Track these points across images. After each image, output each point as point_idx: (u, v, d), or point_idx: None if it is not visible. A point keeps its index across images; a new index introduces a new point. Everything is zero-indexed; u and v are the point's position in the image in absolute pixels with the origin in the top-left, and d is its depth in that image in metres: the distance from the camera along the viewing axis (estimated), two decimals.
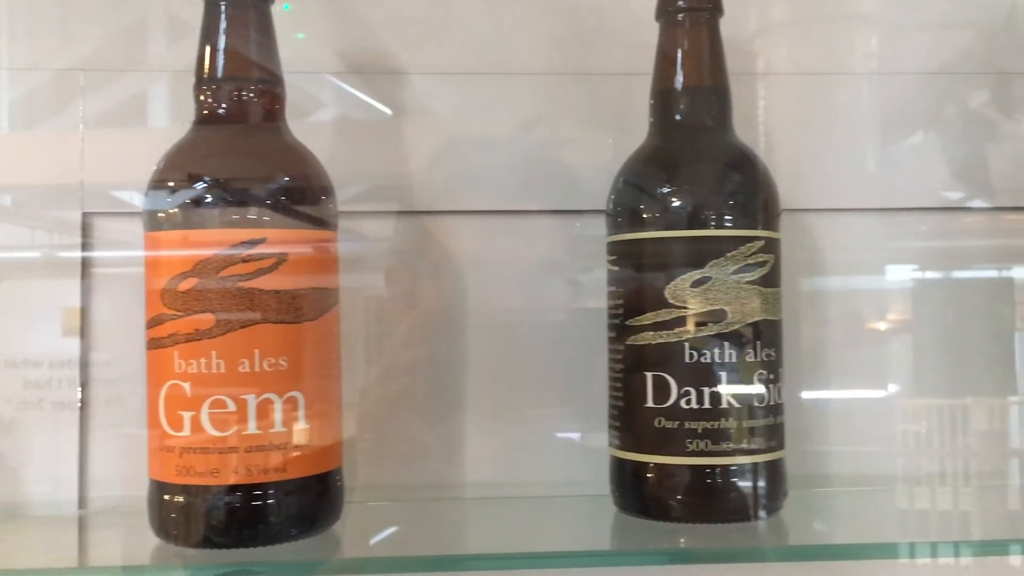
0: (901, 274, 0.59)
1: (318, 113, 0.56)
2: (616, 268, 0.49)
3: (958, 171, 0.58)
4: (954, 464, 0.58)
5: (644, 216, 0.48)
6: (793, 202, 0.57)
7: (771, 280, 0.48)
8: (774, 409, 0.48)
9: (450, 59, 0.56)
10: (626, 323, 0.48)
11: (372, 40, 0.56)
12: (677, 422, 0.47)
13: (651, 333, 0.47)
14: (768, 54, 0.59)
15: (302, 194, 0.44)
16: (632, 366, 0.48)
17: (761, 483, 0.48)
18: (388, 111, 0.57)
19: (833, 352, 0.59)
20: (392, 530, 0.52)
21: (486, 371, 0.56)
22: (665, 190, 0.48)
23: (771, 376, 0.47)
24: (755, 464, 0.47)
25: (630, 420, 0.48)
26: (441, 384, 0.56)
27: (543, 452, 0.56)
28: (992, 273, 0.59)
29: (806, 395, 0.58)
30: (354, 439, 0.55)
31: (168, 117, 0.56)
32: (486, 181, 0.57)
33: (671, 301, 0.47)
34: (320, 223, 0.45)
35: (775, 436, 0.48)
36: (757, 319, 0.47)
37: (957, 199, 0.59)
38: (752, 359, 0.47)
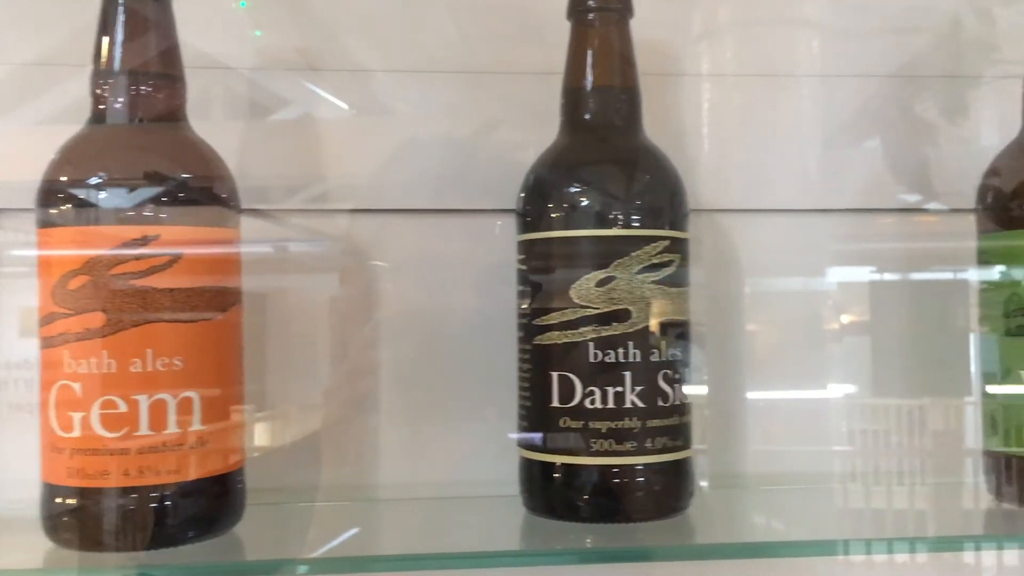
0: (844, 275, 0.60)
1: (275, 110, 0.56)
2: (524, 268, 0.49)
3: (903, 174, 0.59)
4: (888, 463, 0.59)
5: (550, 216, 0.48)
6: (738, 203, 0.58)
7: (678, 280, 0.48)
8: (680, 409, 0.48)
9: (412, 58, 0.56)
10: (533, 323, 0.48)
11: (330, 37, 0.56)
12: (582, 422, 0.47)
13: (557, 333, 0.47)
14: (713, 56, 0.59)
15: (200, 191, 0.44)
16: (539, 366, 0.48)
17: (667, 482, 0.48)
18: (347, 108, 0.56)
19: (780, 352, 0.59)
20: (352, 532, 0.51)
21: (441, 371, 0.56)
22: (569, 189, 0.48)
23: (677, 376, 0.48)
24: (660, 463, 0.47)
25: (537, 420, 0.48)
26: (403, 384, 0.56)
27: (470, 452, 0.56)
28: (946, 275, 0.60)
29: (751, 395, 0.59)
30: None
31: None
32: (442, 179, 0.56)
33: (576, 301, 0.47)
34: (219, 221, 0.44)
35: (680, 436, 0.48)
36: (663, 319, 0.47)
37: (903, 201, 0.60)
38: (657, 359, 0.47)
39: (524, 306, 0.49)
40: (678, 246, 0.48)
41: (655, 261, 0.47)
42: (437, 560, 0.47)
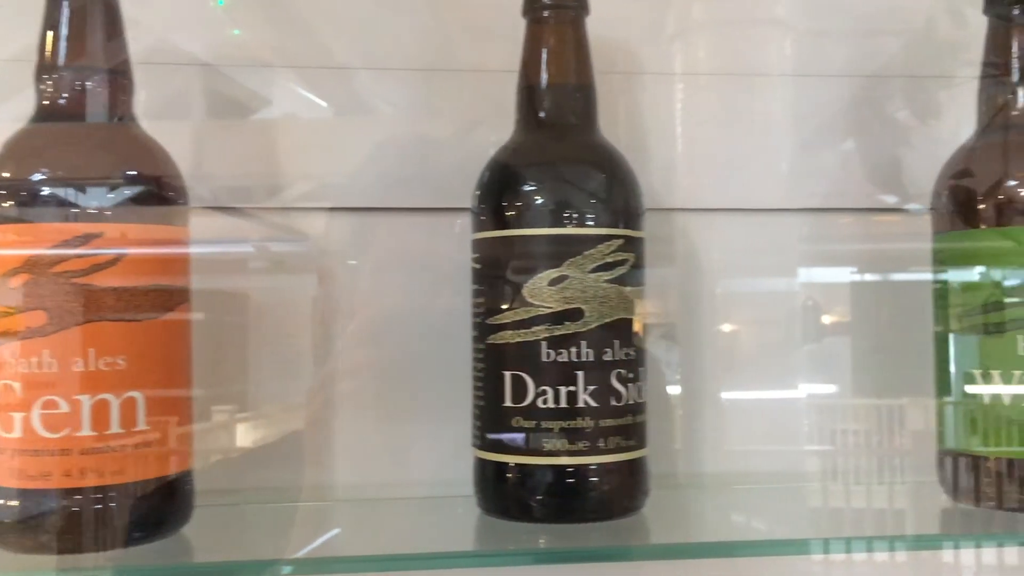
0: (816, 275, 0.60)
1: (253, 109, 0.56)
2: (479, 266, 0.49)
3: (876, 174, 0.59)
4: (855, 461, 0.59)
5: (503, 214, 0.48)
6: (709, 202, 0.58)
7: (632, 279, 0.48)
8: (633, 408, 0.48)
9: (392, 56, 0.56)
10: (487, 322, 0.48)
11: (309, 35, 0.56)
12: (534, 421, 0.46)
13: (510, 332, 0.47)
14: (686, 55, 0.59)
15: (144, 189, 0.43)
16: (492, 365, 0.48)
17: (621, 482, 0.48)
18: (327, 107, 0.56)
19: (752, 352, 0.59)
20: (333, 533, 0.51)
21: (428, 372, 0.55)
22: (522, 188, 0.48)
23: (630, 375, 0.47)
24: (614, 463, 0.47)
25: (490, 420, 0.48)
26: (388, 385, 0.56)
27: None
28: (924, 276, 0.60)
29: (725, 395, 0.59)
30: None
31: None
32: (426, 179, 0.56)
33: (529, 300, 0.46)
34: (165, 219, 0.44)
35: (634, 435, 0.48)
36: (616, 318, 0.47)
37: (878, 201, 0.60)
38: (610, 358, 0.47)
39: (478, 305, 0.49)
40: (633, 245, 0.48)
41: (609, 260, 0.47)
42: (390, 561, 0.46)
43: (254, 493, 0.54)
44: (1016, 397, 0.47)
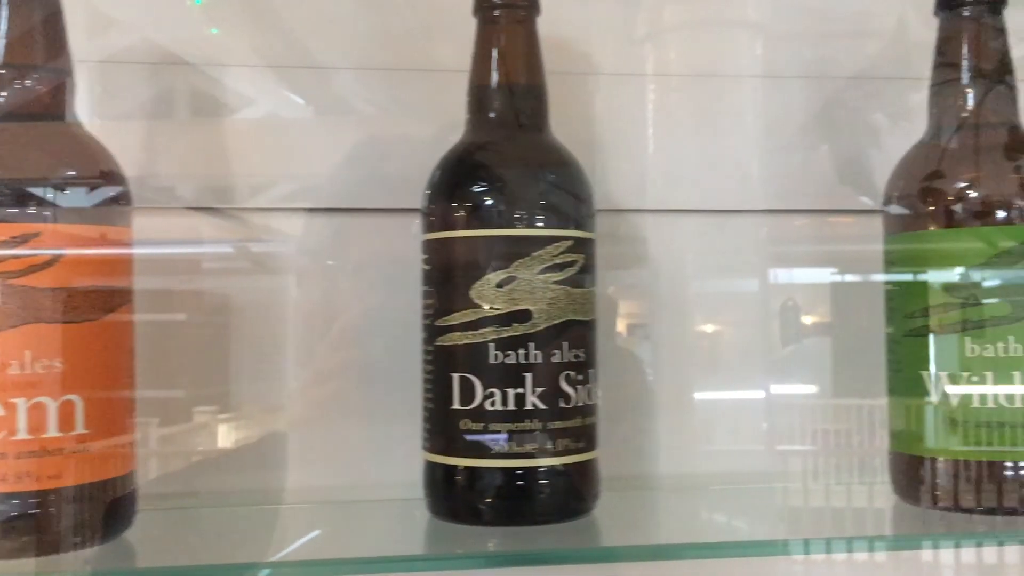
0: (782, 276, 0.60)
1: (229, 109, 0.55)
2: (428, 268, 0.48)
3: (848, 175, 0.59)
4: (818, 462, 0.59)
5: (452, 215, 0.47)
6: (681, 203, 0.58)
7: (581, 280, 0.47)
8: (583, 410, 0.47)
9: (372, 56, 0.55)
10: (435, 324, 0.47)
11: (289, 35, 0.55)
12: (482, 424, 0.46)
13: (458, 334, 0.46)
14: (658, 57, 0.59)
15: (84, 189, 0.42)
16: (440, 367, 0.47)
17: (570, 484, 0.47)
18: (306, 107, 0.56)
19: (726, 352, 0.59)
20: (313, 535, 0.51)
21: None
22: (470, 189, 0.48)
23: (580, 377, 0.47)
24: (563, 466, 0.47)
25: (438, 422, 0.47)
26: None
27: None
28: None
29: (699, 395, 0.59)
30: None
31: (87, 110, 0.53)
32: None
33: (477, 301, 0.46)
34: (106, 219, 0.43)
35: (584, 437, 0.47)
36: (564, 319, 0.47)
37: (852, 203, 0.60)
38: (559, 360, 0.46)
39: (427, 307, 0.48)
40: (583, 246, 0.47)
41: (558, 261, 0.46)
42: (339, 565, 0.46)
43: (212, 497, 0.54)
44: (964, 398, 0.47)
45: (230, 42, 0.55)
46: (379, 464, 0.55)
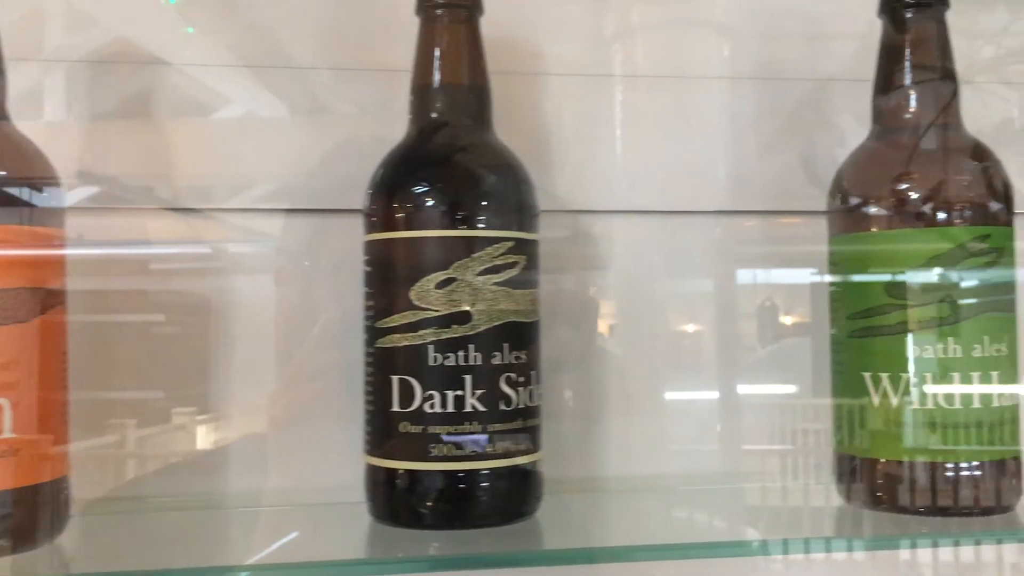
0: (747, 277, 0.60)
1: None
2: (369, 269, 0.48)
3: (815, 176, 0.59)
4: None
5: (392, 215, 0.47)
6: (648, 205, 0.58)
7: (523, 281, 0.47)
8: (524, 412, 0.47)
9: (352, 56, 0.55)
10: (376, 325, 0.47)
11: (267, 35, 0.55)
12: (421, 427, 0.46)
13: (398, 336, 0.46)
14: (624, 57, 0.59)
15: (11, 188, 0.42)
16: (380, 370, 0.47)
17: (511, 487, 0.47)
18: (284, 107, 0.56)
19: (694, 353, 0.59)
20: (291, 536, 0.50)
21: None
22: (409, 189, 0.47)
23: (521, 379, 0.47)
24: (503, 468, 0.46)
25: (379, 425, 0.47)
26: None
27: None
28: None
29: (669, 395, 0.59)
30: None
31: (64, 109, 0.53)
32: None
33: (416, 303, 0.46)
34: (34, 219, 0.42)
35: (525, 440, 0.47)
36: (505, 321, 0.46)
37: (811, 204, 0.59)
38: (499, 362, 0.46)
39: (368, 308, 0.48)
40: (524, 247, 0.47)
41: (498, 263, 0.46)
42: (279, 570, 0.45)
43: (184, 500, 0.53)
44: (905, 400, 0.47)
45: (207, 41, 0.55)
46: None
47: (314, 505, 0.53)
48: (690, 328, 0.60)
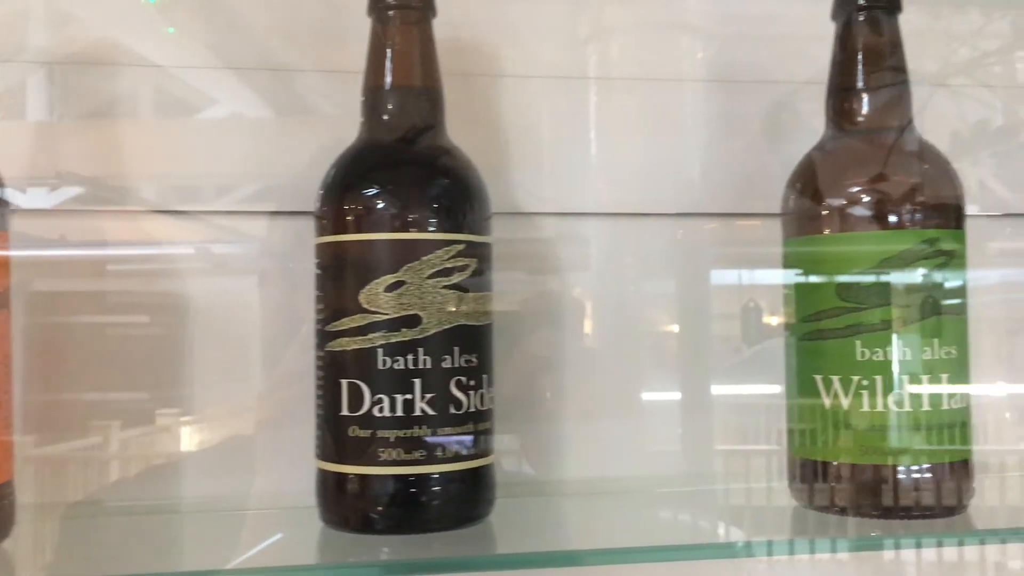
0: (733, 278, 0.60)
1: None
2: (319, 272, 0.48)
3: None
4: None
5: (341, 218, 0.47)
6: (622, 207, 0.58)
7: (474, 284, 0.47)
8: (475, 416, 0.47)
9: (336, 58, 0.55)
10: (325, 329, 0.47)
11: (252, 36, 0.55)
12: (370, 431, 0.45)
13: (347, 339, 0.46)
14: (599, 58, 0.59)
15: None
16: (330, 373, 0.46)
17: (461, 491, 0.47)
18: (270, 109, 0.55)
19: (668, 354, 0.59)
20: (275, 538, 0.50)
21: None
22: (359, 192, 0.47)
23: (471, 383, 0.47)
24: (454, 472, 0.46)
25: (329, 429, 0.47)
26: None
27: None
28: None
29: (646, 396, 0.59)
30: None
31: (47, 109, 0.53)
32: None
33: (365, 306, 0.45)
34: None
35: (476, 443, 0.47)
36: (455, 324, 0.46)
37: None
38: (449, 365, 0.46)
39: (319, 311, 0.47)
40: (475, 250, 0.47)
41: (448, 266, 0.46)
42: None
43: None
44: (855, 402, 0.47)
45: (189, 42, 0.54)
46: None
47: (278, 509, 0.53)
48: (672, 329, 0.60)
